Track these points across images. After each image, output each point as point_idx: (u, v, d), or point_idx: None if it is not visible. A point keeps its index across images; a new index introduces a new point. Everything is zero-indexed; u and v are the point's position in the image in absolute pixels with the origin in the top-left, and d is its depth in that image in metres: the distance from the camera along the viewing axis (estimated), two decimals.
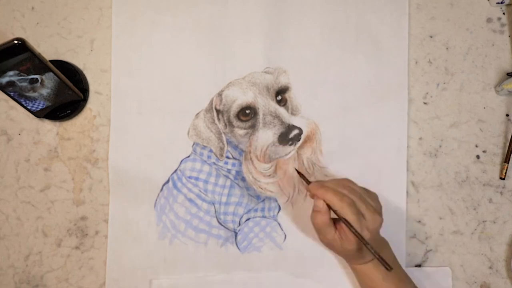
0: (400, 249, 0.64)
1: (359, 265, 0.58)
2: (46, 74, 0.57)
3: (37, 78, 0.58)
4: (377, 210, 0.56)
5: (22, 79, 0.56)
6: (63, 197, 0.66)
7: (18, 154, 0.66)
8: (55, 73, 0.58)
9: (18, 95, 0.59)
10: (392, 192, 0.65)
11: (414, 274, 0.62)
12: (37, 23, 0.67)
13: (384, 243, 0.59)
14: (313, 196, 0.57)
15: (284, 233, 0.65)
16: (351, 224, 0.53)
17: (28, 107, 0.62)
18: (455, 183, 0.66)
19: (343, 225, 0.54)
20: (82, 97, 0.64)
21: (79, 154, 0.66)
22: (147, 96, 0.66)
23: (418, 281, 0.61)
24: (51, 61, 0.65)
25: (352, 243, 0.54)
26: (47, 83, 0.59)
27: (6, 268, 0.66)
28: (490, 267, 0.65)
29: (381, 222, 0.55)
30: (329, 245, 0.57)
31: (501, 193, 0.65)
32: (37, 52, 0.55)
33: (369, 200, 0.56)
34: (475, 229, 0.65)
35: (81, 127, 0.67)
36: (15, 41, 0.52)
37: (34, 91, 0.59)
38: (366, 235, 0.53)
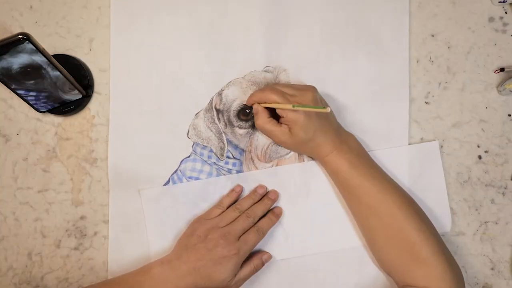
0: None
1: (326, 156, 0.60)
2: (50, 71, 0.58)
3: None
4: (307, 88, 0.60)
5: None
6: (61, 198, 0.66)
7: (16, 154, 0.66)
8: (58, 69, 0.58)
9: (24, 91, 0.60)
10: None
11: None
12: (36, 22, 0.67)
13: (346, 133, 0.62)
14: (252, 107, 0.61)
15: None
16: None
17: (31, 103, 0.62)
18: (457, 184, 0.65)
19: (281, 113, 0.58)
20: (85, 94, 0.64)
21: (77, 154, 0.66)
22: (146, 96, 0.66)
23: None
24: (56, 55, 0.65)
25: (297, 122, 0.57)
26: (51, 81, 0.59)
27: (6, 269, 0.65)
28: (492, 268, 0.65)
29: (315, 97, 0.59)
30: (286, 141, 0.60)
31: (503, 193, 0.65)
32: (41, 48, 0.54)
33: (296, 85, 0.61)
34: (477, 230, 0.65)
35: (80, 127, 0.66)
36: (20, 36, 0.52)
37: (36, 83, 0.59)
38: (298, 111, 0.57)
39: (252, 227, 0.61)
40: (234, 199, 0.64)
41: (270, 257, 0.63)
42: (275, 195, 0.64)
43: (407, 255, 0.57)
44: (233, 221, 0.61)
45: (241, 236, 0.59)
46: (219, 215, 0.62)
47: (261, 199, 0.64)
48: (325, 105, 0.62)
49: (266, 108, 0.60)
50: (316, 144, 0.60)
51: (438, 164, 0.65)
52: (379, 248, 0.60)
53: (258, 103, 0.61)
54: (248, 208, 0.62)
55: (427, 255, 0.56)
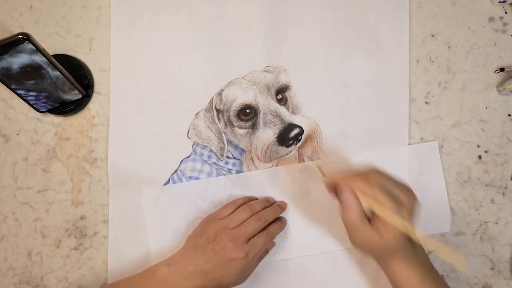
0: None
1: (392, 265, 0.53)
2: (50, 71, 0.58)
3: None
4: (411, 190, 0.51)
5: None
6: (61, 198, 0.66)
7: (16, 154, 0.66)
8: (58, 69, 0.58)
9: (24, 91, 0.60)
10: None
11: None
12: (36, 22, 0.67)
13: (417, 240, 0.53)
14: (332, 189, 0.52)
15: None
16: (389, 212, 0.47)
17: (31, 103, 0.62)
18: (457, 184, 0.65)
19: (379, 217, 0.48)
20: (85, 94, 0.64)
21: (77, 154, 0.66)
22: (146, 96, 0.66)
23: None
24: (57, 55, 0.65)
25: (394, 236, 0.48)
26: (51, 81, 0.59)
27: (6, 269, 0.65)
28: (492, 268, 0.65)
29: (418, 204, 0.50)
30: (365, 245, 0.52)
31: (503, 193, 0.65)
32: (41, 48, 0.55)
33: (398, 181, 0.51)
34: (477, 230, 0.65)
35: (79, 127, 0.66)
36: (20, 36, 0.52)
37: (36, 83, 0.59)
38: (408, 221, 0.48)
39: (262, 230, 0.59)
40: (247, 201, 0.62)
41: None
42: (285, 205, 0.64)
43: None
44: (243, 222, 0.58)
45: (250, 238, 0.57)
46: (230, 214, 0.60)
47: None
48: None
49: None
50: (390, 250, 0.52)
51: (438, 164, 0.65)
52: None
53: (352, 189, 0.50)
54: (259, 212, 0.60)
55: None
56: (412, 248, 0.52)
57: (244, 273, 0.58)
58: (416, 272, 0.51)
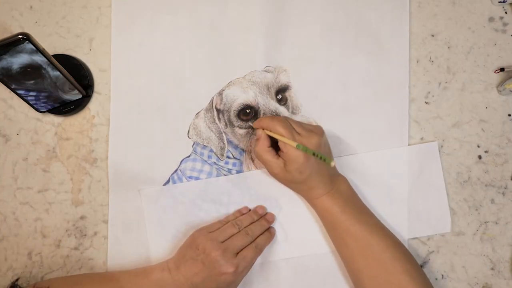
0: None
1: (317, 199, 0.60)
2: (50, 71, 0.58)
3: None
4: (315, 131, 0.59)
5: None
6: (61, 198, 0.66)
7: (16, 154, 0.66)
8: (58, 69, 0.58)
9: (24, 91, 0.60)
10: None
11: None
12: (36, 22, 0.67)
13: (338, 176, 0.61)
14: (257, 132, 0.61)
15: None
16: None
17: (31, 103, 0.62)
18: (457, 184, 0.65)
19: (282, 147, 0.57)
20: (85, 94, 0.64)
21: (77, 154, 0.66)
22: (146, 96, 0.66)
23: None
24: (57, 55, 0.65)
25: (295, 161, 0.56)
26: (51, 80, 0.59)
27: (6, 269, 0.65)
28: (492, 268, 0.65)
29: (319, 141, 0.57)
30: (279, 175, 0.59)
31: (503, 193, 0.65)
32: (41, 48, 0.54)
33: (306, 125, 0.60)
34: (477, 230, 0.65)
35: (79, 127, 0.66)
36: (20, 36, 0.52)
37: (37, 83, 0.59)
38: (306, 145, 0.56)
39: (250, 244, 0.60)
40: (238, 216, 0.64)
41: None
42: (272, 218, 0.65)
43: None
44: (231, 236, 0.60)
45: (239, 252, 0.59)
46: (219, 228, 0.61)
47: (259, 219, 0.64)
48: (328, 150, 0.61)
49: (270, 136, 0.60)
50: (308, 186, 0.59)
51: (438, 165, 0.65)
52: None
53: (263, 129, 0.60)
54: (247, 226, 0.62)
55: None
56: (329, 181, 0.59)
57: (231, 287, 0.59)
58: (336, 202, 0.59)
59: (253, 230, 0.61)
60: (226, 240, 0.59)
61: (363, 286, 0.59)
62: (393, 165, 0.65)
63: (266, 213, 0.65)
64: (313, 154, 0.54)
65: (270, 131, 0.59)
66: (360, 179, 0.64)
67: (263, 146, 0.60)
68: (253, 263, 0.61)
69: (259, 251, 0.61)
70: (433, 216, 0.64)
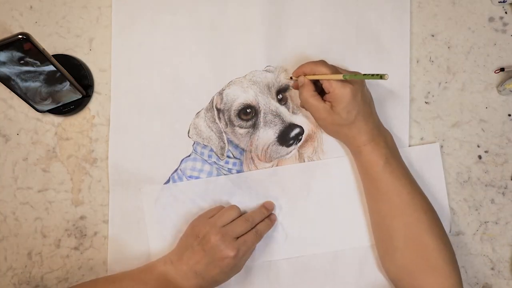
0: None
1: (361, 146, 0.59)
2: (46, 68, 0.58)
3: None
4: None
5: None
6: (61, 198, 0.66)
7: (16, 154, 0.66)
8: (58, 69, 0.58)
9: (23, 90, 0.60)
10: None
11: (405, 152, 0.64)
12: (36, 22, 0.67)
13: (384, 129, 0.61)
14: (297, 86, 0.62)
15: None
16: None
17: (31, 103, 0.62)
18: (457, 184, 0.65)
19: (328, 87, 0.57)
20: (85, 94, 0.64)
21: (77, 154, 0.66)
22: (147, 96, 0.66)
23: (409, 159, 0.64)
24: (57, 55, 0.65)
25: (342, 100, 0.56)
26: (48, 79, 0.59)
27: (6, 269, 0.65)
28: (492, 268, 0.65)
29: (363, 82, 0.58)
30: (326, 119, 0.58)
31: (503, 193, 0.65)
32: (41, 48, 0.54)
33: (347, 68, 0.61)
34: (477, 230, 0.65)
35: (79, 127, 0.66)
36: (20, 36, 0.52)
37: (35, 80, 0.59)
38: (347, 86, 0.56)
39: (250, 230, 0.60)
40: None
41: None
42: (271, 206, 0.64)
43: (423, 260, 0.56)
44: (231, 222, 0.60)
45: (239, 237, 0.59)
46: (218, 212, 0.61)
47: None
48: (370, 97, 0.61)
49: (313, 82, 0.60)
50: (355, 130, 0.58)
51: (439, 166, 0.65)
52: (395, 248, 0.58)
53: (305, 75, 0.60)
54: (247, 213, 0.62)
55: (442, 265, 0.55)
56: (376, 127, 0.59)
57: (233, 271, 0.59)
58: (381, 152, 0.58)
59: (253, 217, 0.61)
60: (225, 225, 0.59)
61: (393, 245, 0.58)
62: None
63: (265, 202, 0.65)
64: (363, 75, 0.53)
65: (314, 74, 0.59)
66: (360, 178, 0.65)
67: (309, 91, 0.59)
68: (254, 249, 0.61)
69: (259, 236, 0.60)
70: None
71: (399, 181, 0.58)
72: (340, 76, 0.55)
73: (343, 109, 0.57)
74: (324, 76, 0.57)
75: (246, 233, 0.59)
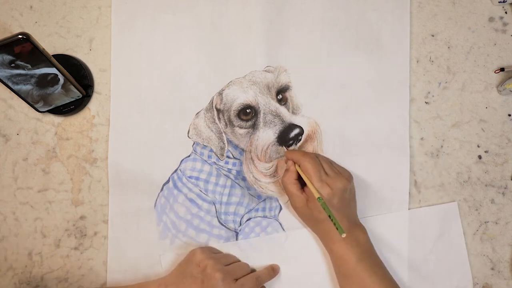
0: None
1: (333, 244, 0.59)
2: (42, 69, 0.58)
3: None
4: (344, 174, 0.59)
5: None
6: (61, 198, 0.66)
7: (16, 154, 0.66)
8: (58, 69, 0.58)
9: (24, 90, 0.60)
10: (394, 192, 0.65)
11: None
12: (36, 22, 0.67)
13: (358, 226, 0.61)
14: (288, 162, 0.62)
15: (286, 233, 0.65)
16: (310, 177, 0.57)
17: (31, 104, 0.62)
18: (457, 184, 0.65)
19: (307, 184, 0.57)
20: (85, 94, 0.64)
21: (77, 154, 0.66)
22: (147, 96, 0.66)
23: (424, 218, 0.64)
24: (57, 55, 0.65)
25: (316, 204, 0.57)
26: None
27: (6, 269, 0.65)
28: (492, 268, 0.65)
29: (346, 186, 0.58)
30: (300, 209, 0.60)
31: (503, 193, 0.65)
32: (41, 48, 0.54)
33: (336, 166, 0.61)
34: (477, 230, 0.65)
35: (79, 127, 0.66)
36: (20, 36, 0.52)
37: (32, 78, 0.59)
38: (325, 190, 0.57)
39: (251, 274, 0.61)
40: None
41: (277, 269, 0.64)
42: (278, 268, 0.64)
43: None
44: (234, 263, 0.61)
45: (238, 279, 0.59)
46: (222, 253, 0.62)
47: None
48: (353, 197, 0.61)
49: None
50: (326, 227, 0.59)
51: (458, 225, 0.64)
52: None
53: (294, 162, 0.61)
54: None
55: None
56: (348, 228, 0.58)
57: None
58: (353, 250, 0.58)
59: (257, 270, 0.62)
60: (228, 264, 0.60)
61: None
62: (411, 226, 0.64)
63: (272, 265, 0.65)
64: (329, 216, 0.54)
65: (300, 165, 0.59)
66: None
67: (290, 178, 0.60)
68: None
69: (259, 283, 0.60)
70: (455, 279, 0.64)
71: (371, 277, 0.57)
72: (317, 195, 0.55)
73: (316, 208, 0.58)
74: (306, 180, 0.58)
75: (246, 275, 0.60)
